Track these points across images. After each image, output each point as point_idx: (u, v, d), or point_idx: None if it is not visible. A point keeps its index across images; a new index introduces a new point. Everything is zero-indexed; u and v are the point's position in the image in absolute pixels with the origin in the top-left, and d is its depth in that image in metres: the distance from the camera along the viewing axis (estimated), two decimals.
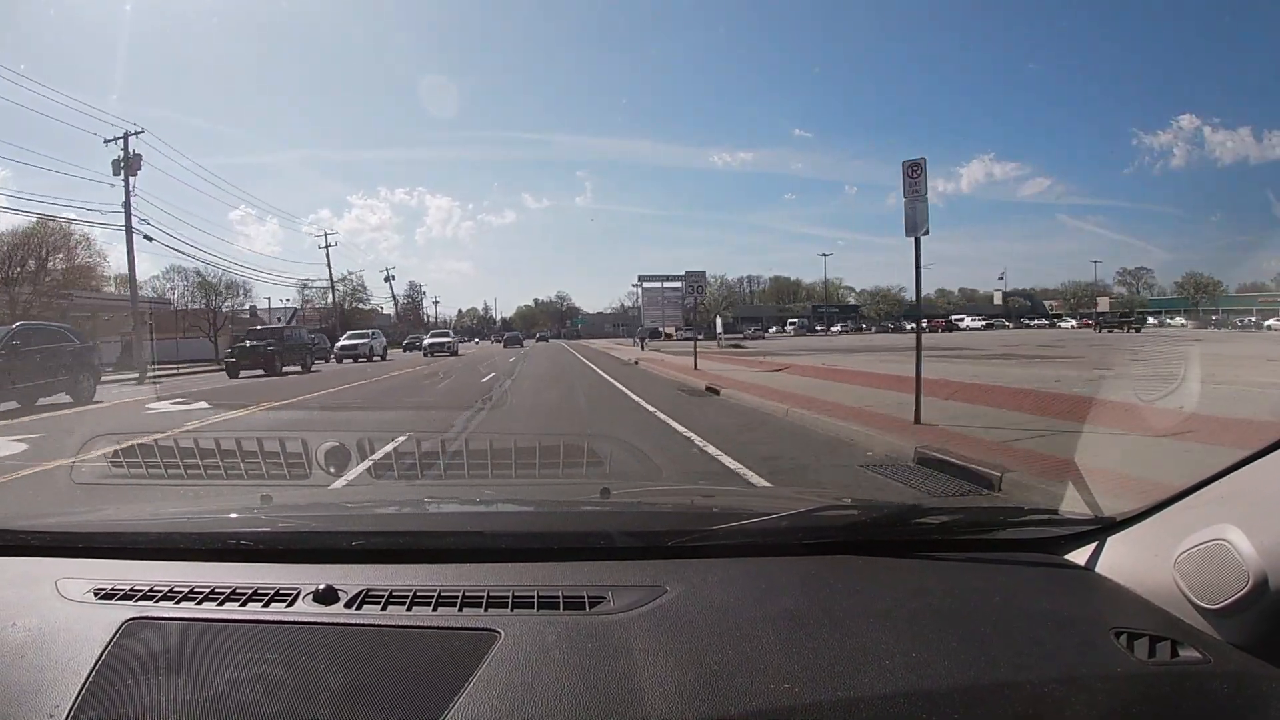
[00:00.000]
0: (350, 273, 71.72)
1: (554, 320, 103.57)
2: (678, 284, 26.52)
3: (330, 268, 61.05)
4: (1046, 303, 73.74)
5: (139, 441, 2.74)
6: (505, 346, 54.35)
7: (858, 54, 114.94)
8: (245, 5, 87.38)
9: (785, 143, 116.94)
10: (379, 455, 2.91)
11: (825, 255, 71.09)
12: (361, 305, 66.74)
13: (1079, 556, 1.22)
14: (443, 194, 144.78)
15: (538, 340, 69.45)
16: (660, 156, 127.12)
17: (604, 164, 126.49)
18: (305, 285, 59.36)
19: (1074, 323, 60.70)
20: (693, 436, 6.88)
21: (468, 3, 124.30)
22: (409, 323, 78.92)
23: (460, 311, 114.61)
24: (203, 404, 11.54)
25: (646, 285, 31.16)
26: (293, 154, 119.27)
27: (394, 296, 73.05)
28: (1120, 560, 1.15)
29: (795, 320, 66.56)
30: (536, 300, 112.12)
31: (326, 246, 61.65)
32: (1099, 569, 1.17)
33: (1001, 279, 77.23)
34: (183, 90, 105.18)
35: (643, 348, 31.84)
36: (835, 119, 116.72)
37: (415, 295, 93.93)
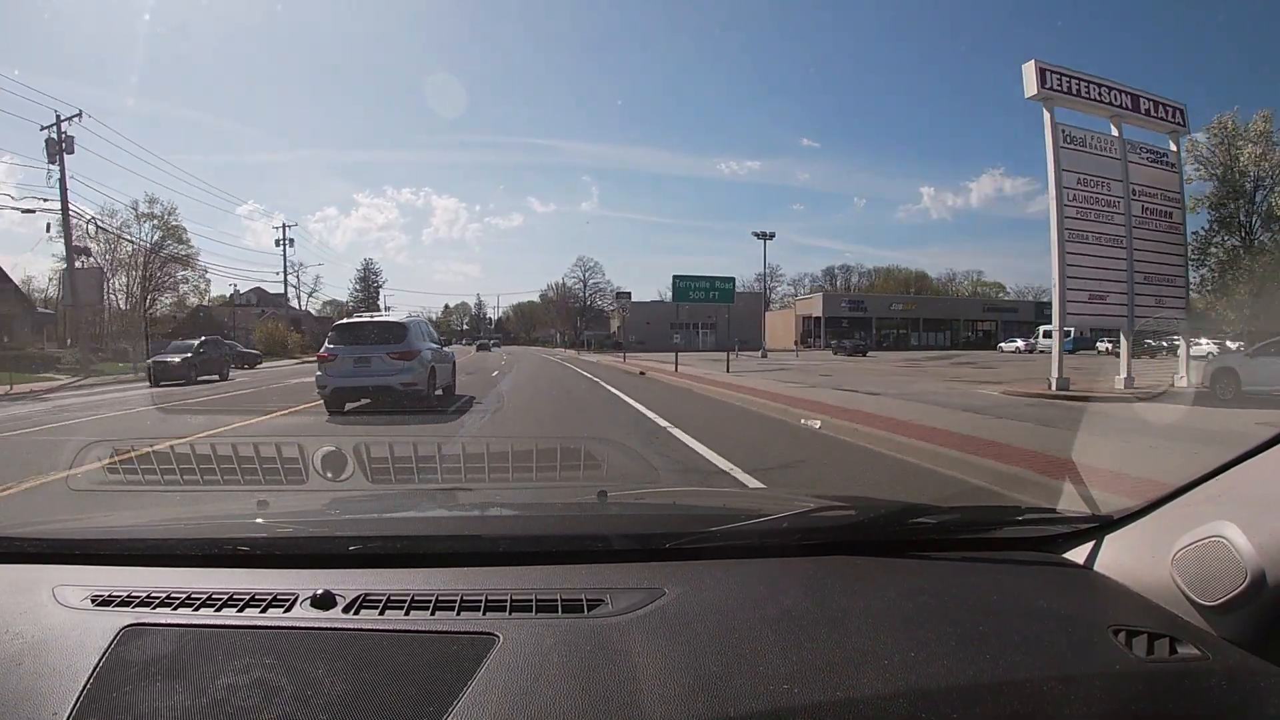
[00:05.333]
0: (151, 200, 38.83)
1: (568, 320, 72.90)
2: None
3: (285, 260, 47.47)
4: None
5: (136, 448, 2.73)
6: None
7: (865, 65, 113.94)
8: (255, 4, 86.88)
9: (793, 152, 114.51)
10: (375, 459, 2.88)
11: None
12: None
13: (1077, 555, 1.22)
14: (449, 195, 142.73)
15: (478, 349, 45.72)
16: (667, 164, 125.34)
17: (610, 170, 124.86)
18: (94, 224, 32.66)
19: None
20: None
21: (474, 7, 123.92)
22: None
23: (447, 307, 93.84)
24: None
25: None
26: (300, 153, 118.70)
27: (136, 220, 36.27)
28: (1118, 558, 1.15)
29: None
30: (542, 295, 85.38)
31: (284, 236, 45.95)
32: (1097, 567, 1.18)
33: None
34: (195, 89, 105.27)
35: None
36: (843, 129, 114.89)
37: (370, 279, 71.46)
